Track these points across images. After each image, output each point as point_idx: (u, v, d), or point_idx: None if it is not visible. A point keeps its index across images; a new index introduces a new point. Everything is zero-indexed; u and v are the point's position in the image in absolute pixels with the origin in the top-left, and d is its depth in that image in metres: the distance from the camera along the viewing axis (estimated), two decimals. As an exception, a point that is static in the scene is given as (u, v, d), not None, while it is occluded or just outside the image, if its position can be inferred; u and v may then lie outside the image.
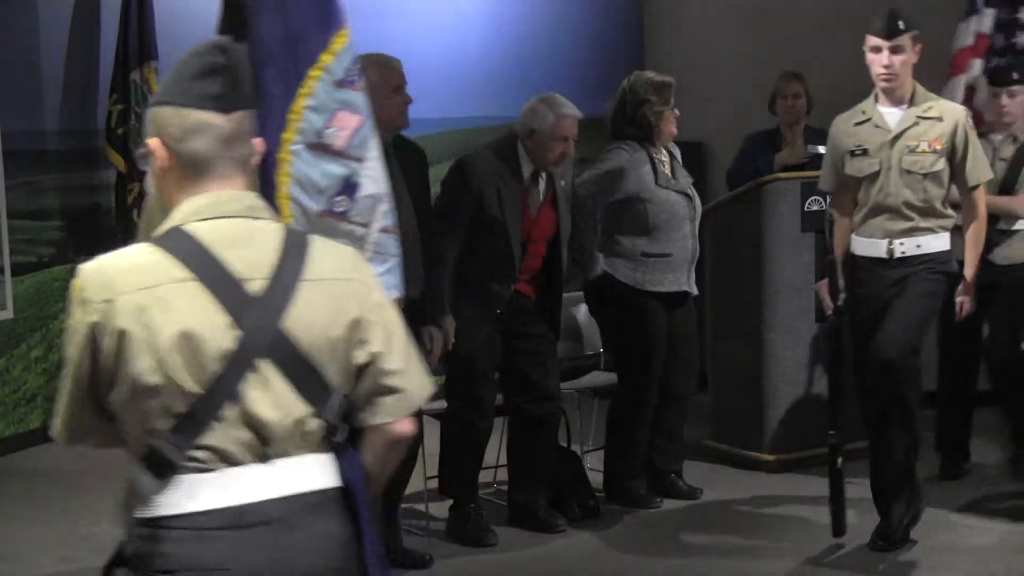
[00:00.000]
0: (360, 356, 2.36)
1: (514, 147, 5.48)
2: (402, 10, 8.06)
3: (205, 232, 2.31)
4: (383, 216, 2.67)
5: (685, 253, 5.82)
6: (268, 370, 2.28)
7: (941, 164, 5.04)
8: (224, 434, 2.27)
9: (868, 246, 5.12)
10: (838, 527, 5.18)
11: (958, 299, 5.17)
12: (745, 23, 8.46)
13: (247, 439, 2.28)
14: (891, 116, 5.10)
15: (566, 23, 8.53)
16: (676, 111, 5.83)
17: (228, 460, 2.27)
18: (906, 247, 5.05)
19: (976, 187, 5.12)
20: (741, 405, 6.51)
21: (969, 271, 5.15)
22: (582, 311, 6.32)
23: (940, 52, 6.28)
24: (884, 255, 5.07)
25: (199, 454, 2.27)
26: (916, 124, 5.06)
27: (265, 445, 2.29)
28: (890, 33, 4.98)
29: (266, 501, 2.28)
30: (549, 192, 5.56)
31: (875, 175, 5.08)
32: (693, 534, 5.56)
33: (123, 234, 7.33)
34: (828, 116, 6.51)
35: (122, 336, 2.24)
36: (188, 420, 2.26)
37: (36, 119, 7.46)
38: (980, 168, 5.13)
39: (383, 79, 4.84)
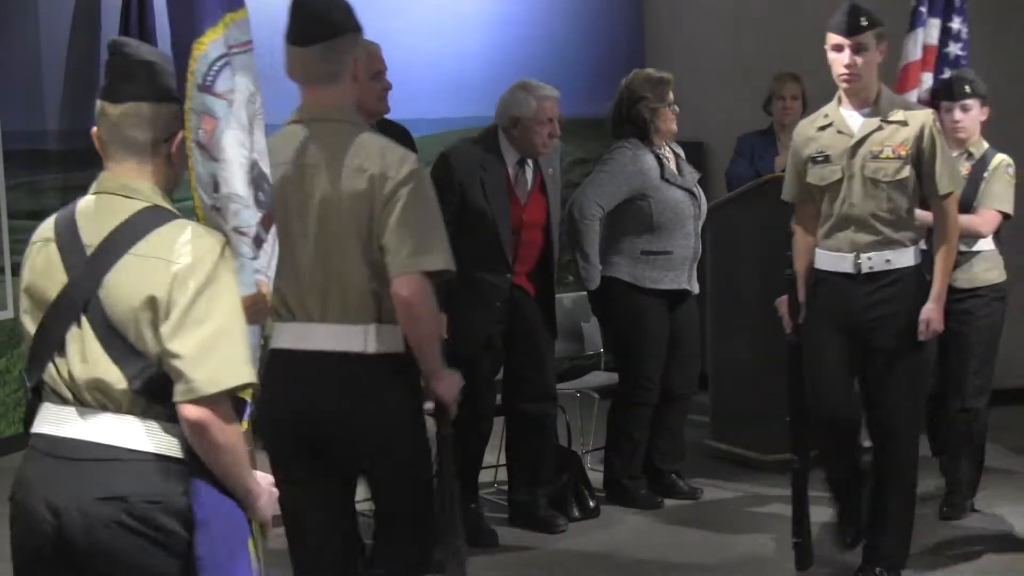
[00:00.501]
0: (155, 334, 2.54)
1: (495, 138, 5.45)
2: (402, 11, 8.05)
3: (81, 204, 2.69)
4: (234, 216, 2.75)
5: (687, 251, 5.80)
6: (86, 327, 2.57)
7: (907, 171, 4.64)
8: (53, 375, 2.62)
9: (833, 260, 4.72)
10: (803, 559, 4.86)
11: (923, 317, 4.67)
12: (745, 24, 8.45)
13: (68, 383, 2.60)
14: (854, 120, 4.72)
15: (566, 24, 8.52)
16: (675, 108, 5.80)
17: (57, 397, 2.62)
18: (874, 262, 4.65)
19: (946, 196, 4.70)
20: (741, 405, 6.50)
21: (938, 286, 4.71)
22: (583, 311, 6.31)
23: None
24: (851, 270, 4.67)
25: (41, 387, 2.66)
26: (880, 129, 4.67)
27: (79, 392, 2.58)
28: (852, 30, 4.59)
29: (77, 440, 2.57)
30: (537, 179, 5.52)
31: (838, 183, 4.69)
32: (693, 534, 5.55)
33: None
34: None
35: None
36: (33, 357, 2.67)
37: (36, 119, 7.46)
38: (950, 175, 4.72)
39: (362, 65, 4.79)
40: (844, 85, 4.67)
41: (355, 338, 3.40)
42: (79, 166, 7.60)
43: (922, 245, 4.77)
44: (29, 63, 7.41)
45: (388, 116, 5.11)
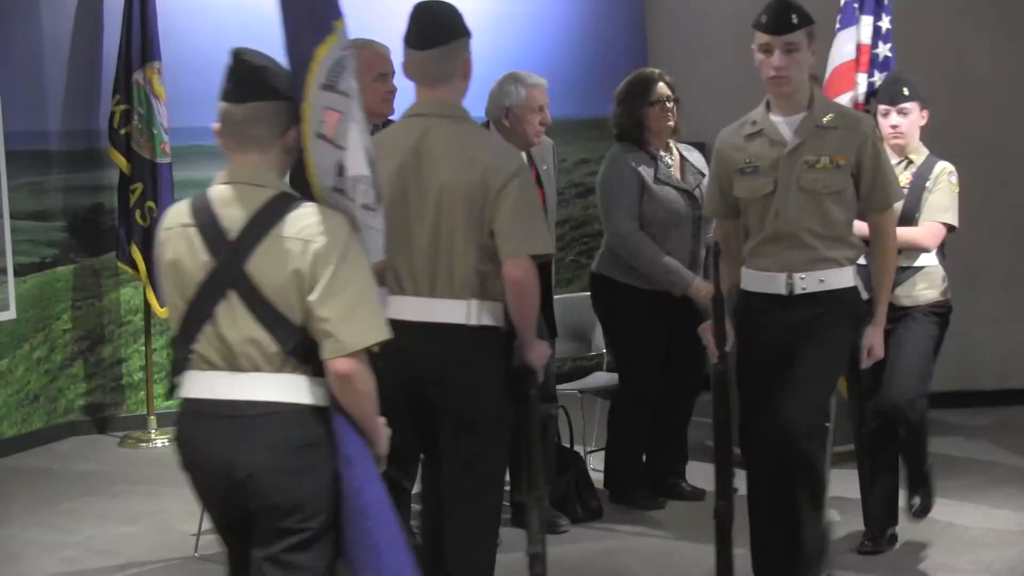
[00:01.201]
0: (301, 303, 2.99)
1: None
2: (406, 12, 8.04)
3: (215, 193, 3.09)
4: (363, 195, 3.14)
5: (683, 253, 5.76)
6: (234, 299, 3.01)
7: (845, 182, 4.30)
8: (205, 343, 3.04)
9: (762, 281, 4.35)
10: None
11: (866, 343, 4.42)
12: (746, 23, 8.42)
13: (220, 350, 3.03)
14: (786, 127, 4.32)
15: (567, 24, 8.52)
16: (666, 105, 5.73)
17: (207, 363, 3.05)
18: (807, 282, 4.27)
19: (886, 209, 4.40)
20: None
21: (879, 310, 4.42)
22: (586, 311, 6.30)
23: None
24: (782, 291, 4.29)
25: (191, 356, 3.07)
26: (814, 135, 4.29)
27: (233, 358, 3.02)
28: (781, 28, 4.22)
29: (232, 400, 3.03)
30: (532, 173, 5.52)
31: (769, 196, 4.30)
32: (696, 535, 5.54)
33: (125, 234, 7.34)
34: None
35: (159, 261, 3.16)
36: (183, 329, 3.08)
37: (39, 120, 7.46)
38: (891, 187, 4.40)
39: (366, 66, 4.82)
40: (774, 89, 4.31)
41: (460, 311, 3.85)
42: (82, 167, 7.61)
43: (860, 260, 4.44)
44: (31, 64, 7.41)
45: (393, 117, 5.11)
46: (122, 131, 7.31)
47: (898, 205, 4.65)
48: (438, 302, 3.85)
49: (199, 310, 3.05)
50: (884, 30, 5.86)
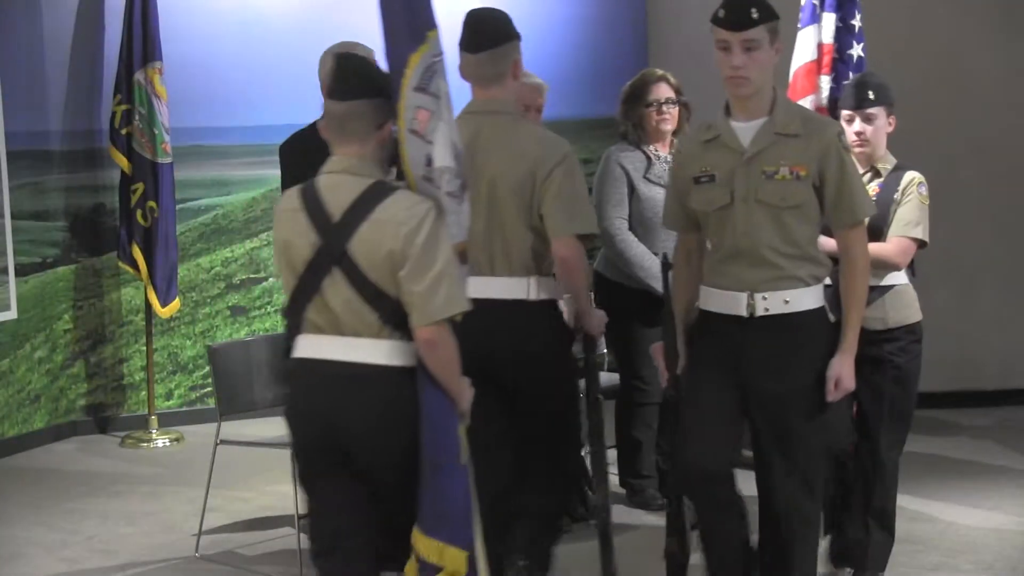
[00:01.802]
0: (394, 278, 3.42)
1: None
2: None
3: (321, 181, 3.54)
4: (447, 183, 3.53)
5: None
6: (338, 275, 3.45)
7: (806, 195, 3.91)
8: (314, 312, 3.51)
9: (721, 300, 3.98)
10: None
11: (831, 373, 3.94)
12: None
13: (327, 317, 3.50)
14: (745, 133, 3.96)
15: (569, 26, 8.50)
16: (666, 109, 5.71)
17: (316, 328, 3.52)
18: (770, 303, 3.91)
19: (855, 225, 3.98)
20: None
21: (849, 336, 3.97)
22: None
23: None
24: (743, 312, 3.93)
25: (302, 322, 3.54)
26: (774, 143, 3.92)
27: (338, 324, 3.48)
28: (740, 23, 3.86)
29: (336, 361, 3.49)
30: None
31: (726, 209, 3.94)
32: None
33: (126, 234, 7.34)
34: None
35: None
36: (294, 299, 3.54)
37: (40, 120, 7.46)
38: (859, 201, 3.97)
39: None
40: (732, 90, 3.95)
41: (520, 288, 4.21)
42: (83, 166, 7.61)
43: (826, 280, 4.07)
44: (32, 64, 7.41)
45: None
46: (123, 131, 7.31)
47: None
48: (499, 280, 4.21)
49: (308, 283, 3.51)
50: (858, 29, 5.51)
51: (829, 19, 5.48)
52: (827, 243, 4.18)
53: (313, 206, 3.52)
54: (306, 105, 5.36)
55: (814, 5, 5.50)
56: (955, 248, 7.64)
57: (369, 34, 5.63)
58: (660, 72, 5.82)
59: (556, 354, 4.35)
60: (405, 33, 3.54)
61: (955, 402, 7.54)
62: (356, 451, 3.51)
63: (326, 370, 3.52)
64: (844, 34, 5.51)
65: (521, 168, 4.19)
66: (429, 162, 3.52)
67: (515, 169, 4.19)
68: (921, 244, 4.58)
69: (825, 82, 5.45)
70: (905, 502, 5.79)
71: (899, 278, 4.58)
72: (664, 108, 5.70)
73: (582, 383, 4.62)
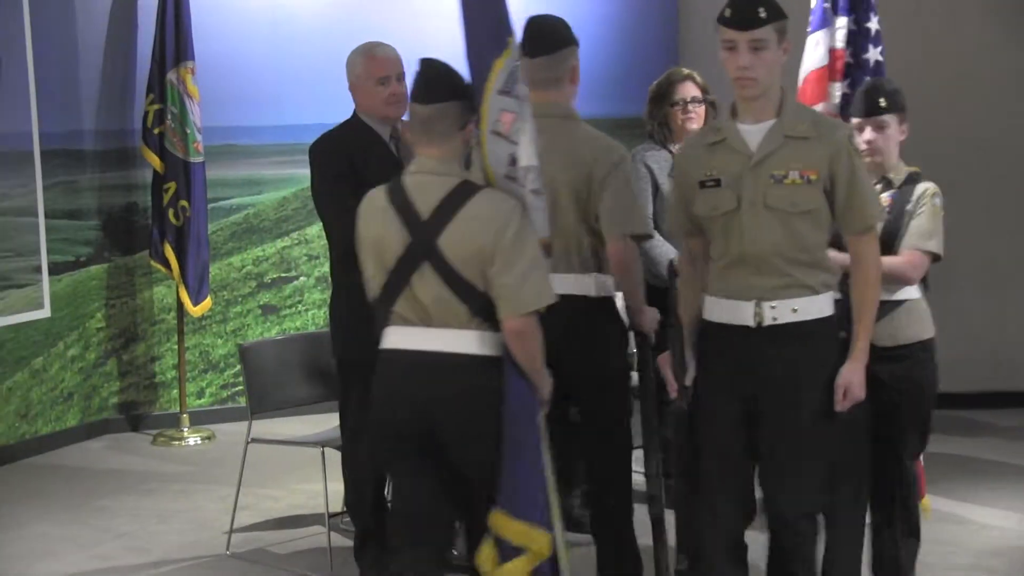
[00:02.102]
0: (483, 272, 3.60)
1: None
2: (436, 11, 8.05)
3: (408, 181, 3.72)
4: (532, 181, 3.67)
5: None
6: (428, 269, 3.63)
7: (817, 200, 3.76)
8: (403, 304, 3.69)
9: (727, 310, 3.83)
10: None
11: (840, 382, 3.78)
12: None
13: (416, 310, 3.67)
14: (753, 135, 3.81)
15: (599, 23, 8.49)
16: (691, 108, 5.68)
17: (406, 321, 3.70)
18: (778, 311, 3.75)
19: (867, 231, 3.83)
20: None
21: (860, 344, 3.82)
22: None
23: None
24: (750, 322, 3.78)
25: (391, 315, 3.72)
26: (783, 146, 3.77)
27: (427, 316, 3.66)
28: (747, 22, 3.72)
29: (425, 351, 3.67)
30: None
31: (732, 214, 3.79)
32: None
33: (159, 233, 7.38)
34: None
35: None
36: (384, 293, 3.72)
37: (73, 119, 7.50)
38: (869, 205, 3.82)
39: (366, 70, 4.88)
40: (739, 91, 3.81)
41: (582, 284, 4.32)
42: (116, 166, 7.65)
43: (836, 294, 3.91)
44: (66, 64, 7.45)
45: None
46: (156, 130, 7.34)
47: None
48: (563, 277, 4.22)
49: (398, 278, 3.68)
50: (873, 32, 5.27)
51: (841, 23, 5.26)
52: (839, 258, 4.01)
53: (402, 205, 3.69)
54: (336, 104, 5.37)
55: (825, 8, 5.29)
56: (990, 249, 7.61)
57: (396, 34, 5.67)
58: (686, 71, 5.79)
59: (615, 349, 4.48)
60: (489, 40, 3.72)
61: (988, 402, 7.50)
62: (443, 436, 3.68)
63: (415, 359, 3.70)
64: (859, 38, 5.29)
65: (579, 171, 4.29)
66: (513, 161, 3.67)
67: (573, 171, 4.29)
68: (935, 258, 4.36)
69: (837, 88, 5.22)
70: (937, 503, 5.78)
71: (911, 292, 4.34)
72: (690, 107, 5.67)
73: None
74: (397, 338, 3.74)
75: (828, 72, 5.23)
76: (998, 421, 7.27)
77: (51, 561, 5.46)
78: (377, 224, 3.73)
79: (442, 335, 3.67)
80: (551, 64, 4.37)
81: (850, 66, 5.25)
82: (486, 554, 3.67)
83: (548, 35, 4.40)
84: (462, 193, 3.65)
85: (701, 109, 5.70)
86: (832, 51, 5.25)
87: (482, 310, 3.63)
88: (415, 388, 3.69)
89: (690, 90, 5.67)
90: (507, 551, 3.63)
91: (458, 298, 3.64)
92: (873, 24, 5.28)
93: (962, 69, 7.55)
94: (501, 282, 3.59)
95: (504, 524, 3.63)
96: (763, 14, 3.72)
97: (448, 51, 8.44)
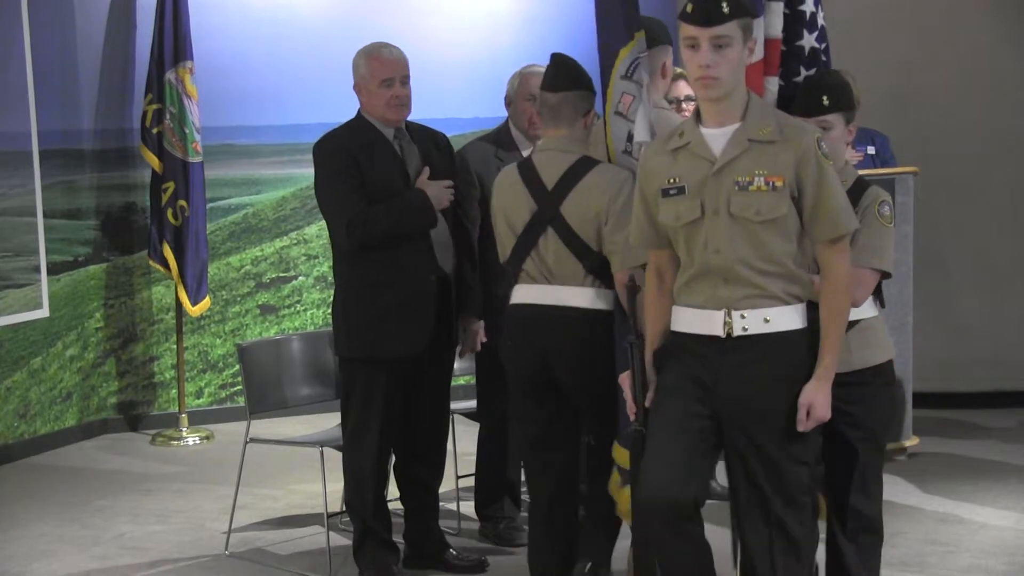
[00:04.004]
0: (598, 234, 4.23)
1: (508, 130, 5.46)
2: (436, 10, 8.06)
3: (535, 157, 4.41)
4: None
5: None
6: (551, 234, 4.28)
7: (784, 207, 3.54)
8: (530, 264, 4.34)
9: (696, 320, 3.61)
10: None
11: (803, 400, 3.55)
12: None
13: (541, 268, 4.33)
14: (717, 140, 3.60)
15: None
16: (684, 106, 5.67)
17: (532, 279, 4.35)
18: (749, 322, 3.54)
19: (837, 240, 3.58)
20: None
21: (826, 361, 3.56)
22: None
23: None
24: (719, 332, 3.57)
25: (520, 273, 4.37)
26: (748, 151, 3.56)
27: (550, 274, 4.31)
28: (709, 18, 3.52)
29: (548, 305, 4.30)
30: None
31: (696, 223, 3.59)
32: (724, 534, 5.53)
33: (157, 233, 7.38)
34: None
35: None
36: (514, 255, 4.38)
37: (72, 118, 7.51)
38: (839, 213, 3.57)
39: (370, 72, 4.87)
40: (701, 92, 3.59)
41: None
42: (114, 165, 7.65)
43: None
44: (65, 63, 7.45)
45: (426, 117, 5.13)
46: (154, 130, 7.34)
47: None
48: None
49: (526, 241, 4.33)
50: (808, 15, 4.62)
51: (775, 9, 4.58)
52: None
53: (530, 178, 4.35)
54: (336, 104, 5.39)
55: None
56: (987, 250, 7.62)
57: (398, 34, 5.67)
58: (679, 70, 5.78)
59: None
60: (618, 30, 4.29)
61: (987, 403, 7.50)
62: (563, 378, 4.31)
63: (540, 312, 4.30)
64: (793, 23, 4.63)
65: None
66: (630, 138, 4.24)
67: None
68: (884, 274, 3.98)
69: (773, 84, 4.56)
70: (935, 504, 5.80)
71: (864, 312, 3.98)
72: (683, 106, 5.69)
73: None
74: (523, 293, 4.37)
75: (763, 66, 4.54)
76: (996, 422, 7.27)
77: (49, 560, 5.46)
78: (507, 196, 4.40)
79: (561, 291, 4.28)
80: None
81: (784, 55, 4.61)
82: (613, 479, 4.12)
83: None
84: (582, 167, 4.27)
85: (692, 107, 5.70)
86: (768, 42, 4.55)
87: (596, 268, 4.25)
88: (539, 337, 4.30)
89: (682, 89, 5.67)
90: (625, 476, 4.00)
91: (575, 257, 4.26)
92: (808, 7, 4.63)
93: (963, 68, 7.55)
94: (613, 239, 4.18)
95: (621, 454, 4.06)
96: (726, 9, 3.52)
97: (446, 50, 8.50)
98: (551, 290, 4.30)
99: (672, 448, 3.60)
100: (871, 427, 3.99)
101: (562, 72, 4.39)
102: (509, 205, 4.41)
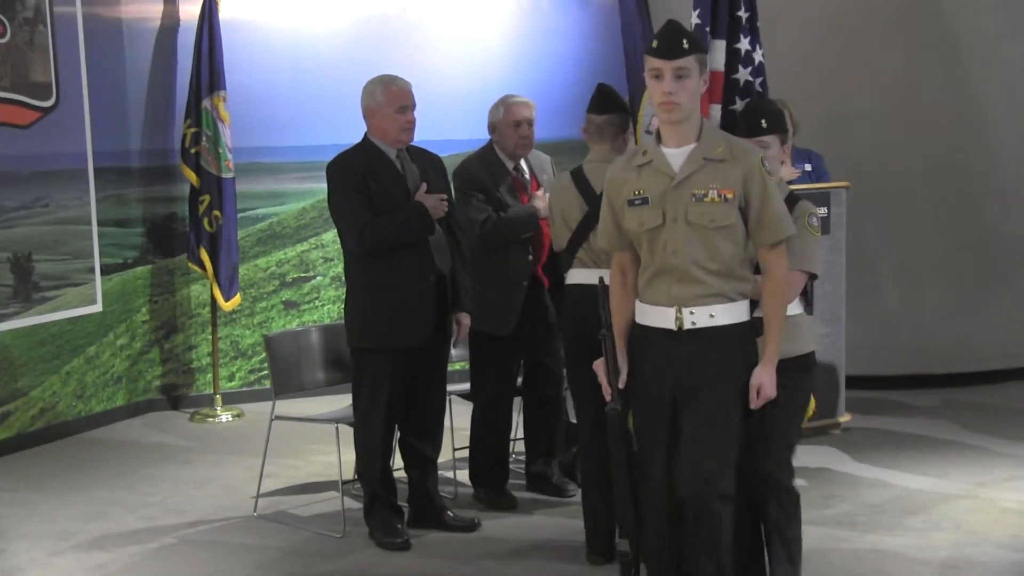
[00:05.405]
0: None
1: (492, 149, 5.46)
2: (439, 47, 8.06)
3: (585, 167, 4.73)
4: None
5: None
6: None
7: (734, 216, 3.64)
8: (583, 253, 4.68)
9: (653, 315, 3.70)
10: None
11: (755, 382, 3.64)
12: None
13: (591, 256, 4.64)
14: (675, 158, 3.70)
15: (583, 58, 8.46)
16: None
17: (584, 264, 4.68)
18: (697, 317, 3.63)
19: (777, 244, 3.67)
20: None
21: (771, 347, 3.66)
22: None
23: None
24: (672, 326, 3.66)
25: (575, 260, 4.71)
26: (703, 167, 3.66)
27: (599, 260, 4.56)
28: (672, 52, 3.62)
29: (596, 285, 3.95)
30: (532, 177, 5.52)
31: (658, 229, 3.68)
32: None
33: (195, 239, 7.37)
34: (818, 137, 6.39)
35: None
36: (570, 245, 4.70)
37: (122, 140, 7.49)
38: (779, 221, 3.67)
39: (388, 99, 4.86)
40: (664, 115, 3.68)
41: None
42: (158, 181, 7.64)
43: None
44: (116, 93, 7.44)
45: (423, 139, 5.13)
46: (192, 150, 7.33)
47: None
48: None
49: (579, 235, 4.64)
50: (743, 52, 5.00)
51: (719, 45, 4.98)
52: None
53: (581, 184, 4.68)
54: (349, 127, 5.38)
55: (705, 32, 5.01)
56: (909, 252, 7.63)
57: (404, 65, 5.65)
58: None
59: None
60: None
61: (908, 384, 7.51)
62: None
63: (591, 291, 4.05)
64: (730, 59, 5.00)
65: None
66: None
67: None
68: (812, 276, 4.05)
69: (716, 111, 4.96)
70: (865, 471, 5.82)
71: (793, 309, 3.99)
72: None
73: None
74: (578, 276, 4.67)
75: (709, 95, 4.91)
76: (918, 401, 7.29)
77: (104, 521, 5.46)
78: (564, 198, 4.73)
79: (607, 274, 3.97)
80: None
81: (724, 87, 4.97)
82: None
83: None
84: None
85: None
86: (712, 74, 4.88)
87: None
88: (589, 311, 4.17)
89: None
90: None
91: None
92: (743, 45, 4.99)
93: (886, 96, 7.55)
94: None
95: None
96: (686, 45, 3.63)
97: (446, 81, 8.44)
98: (598, 273, 4.18)
99: (654, 454, 3.70)
100: (790, 406, 3.96)
101: (607, 99, 4.72)
102: (564, 206, 4.71)
